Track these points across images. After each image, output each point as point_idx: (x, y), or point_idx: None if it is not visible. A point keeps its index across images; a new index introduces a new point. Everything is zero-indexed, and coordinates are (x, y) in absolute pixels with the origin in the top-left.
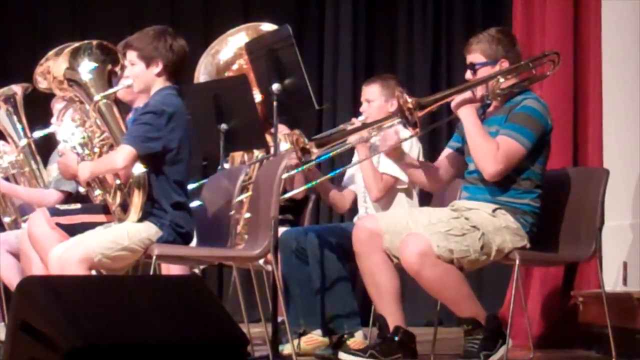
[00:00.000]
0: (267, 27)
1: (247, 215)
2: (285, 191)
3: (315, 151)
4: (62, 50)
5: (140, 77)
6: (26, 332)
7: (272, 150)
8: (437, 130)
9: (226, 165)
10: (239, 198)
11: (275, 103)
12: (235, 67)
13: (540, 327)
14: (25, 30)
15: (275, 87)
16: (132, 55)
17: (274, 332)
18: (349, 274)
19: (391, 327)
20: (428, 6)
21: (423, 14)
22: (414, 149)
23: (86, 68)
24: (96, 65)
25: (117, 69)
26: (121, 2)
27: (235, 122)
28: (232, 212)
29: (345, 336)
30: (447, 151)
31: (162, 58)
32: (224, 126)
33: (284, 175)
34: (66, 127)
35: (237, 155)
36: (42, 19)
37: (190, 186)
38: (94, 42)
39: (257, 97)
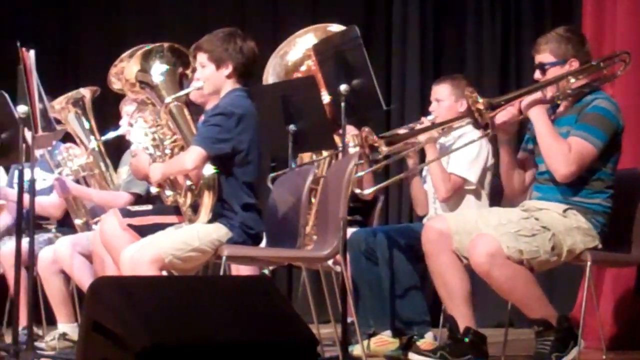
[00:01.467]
0: (335, 28)
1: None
2: (354, 192)
3: (383, 149)
4: (135, 52)
5: (211, 79)
6: (98, 332)
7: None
8: None
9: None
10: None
11: (343, 104)
12: (303, 68)
13: (613, 328)
14: (97, 33)
15: (343, 87)
16: (202, 57)
17: (343, 333)
18: (418, 275)
19: (461, 328)
20: (496, 5)
21: (491, 13)
22: (483, 150)
23: (158, 70)
24: (168, 67)
25: (188, 71)
26: (191, 4)
27: (303, 123)
28: (301, 213)
29: (415, 337)
30: (521, 154)
31: (232, 60)
32: (292, 127)
33: (357, 174)
34: (139, 128)
35: (306, 157)
36: (113, 22)
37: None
38: (166, 45)
39: (325, 98)
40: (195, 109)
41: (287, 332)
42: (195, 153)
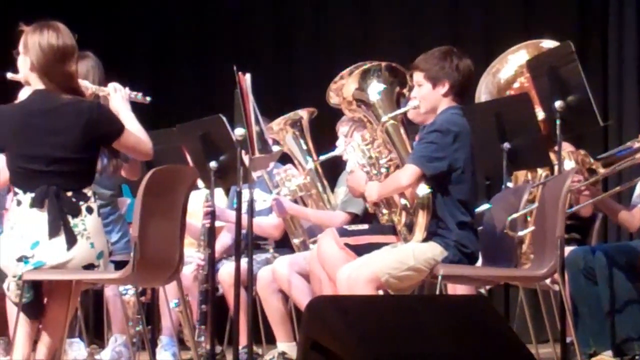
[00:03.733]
0: (548, 43)
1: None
2: (571, 207)
3: (601, 171)
4: (353, 70)
5: (427, 97)
6: (317, 351)
7: (556, 168)
8: None
9: (509, 184)
10: (521, 214)
11: (558, 120)
12: (516, 85)
13: None
14: (310, 55)
15: (558, 104)
16: (418, 76)
17: (562, 353)
18: (638, 294)
19: None
20: None
21: None
22: None
23: (375, 89)
24: (385, 86)
25: (405, 90)
26: (403, 23)
27: (518, 140)
28: (518, 232)
29: (637, 358)
30: None
31: (448, 78)
32: (506, 145)
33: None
34: (356, 145)
35: (521, 174)
36: (326, 44)
37: (479, 209)
38: (383, 64)
39: (540, 114)
40: (411, 128)
41: (505, 352)
42: (409, 170)
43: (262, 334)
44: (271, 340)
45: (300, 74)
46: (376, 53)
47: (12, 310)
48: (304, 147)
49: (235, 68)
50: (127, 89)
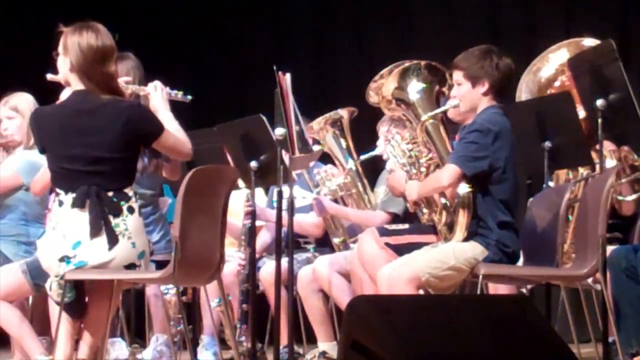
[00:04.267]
0: (589, 42)
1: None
2: (613, 208)
3: None
4: (393, 69)
5: (467, 96)
6: (357, 351)
7: (597, 167)
8: None
9: (550, 184)
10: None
11: (600, 119)
12: (557, 84)
13: None
14: (350, 54)
15: (600, 103)
16: (458, 75)
17: (604, 352)
18: None
19: None
20: None
21: None
22: None
23: (414, 88)
24: (424, 85)
25: (445, 89)
26: (443, 21)
27: (559, 139)
28: (559, 231)
29: None
30: None
31: (488, 77)
32: (547, 144)
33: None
34: (396, 144)
35: (562, 173)
36: (365, 43)
37: None
38: (422, 63)
39: (581, 113)
40: (451, 127)
41: (547, 352)
42: (450, 170)
43: (302, 333)
44: (312, 340)
45: (340, 73)
46: (417, 51)
47: (54, 310)
48: (344, 146)
49: (275, 68)
50: (167, 88)
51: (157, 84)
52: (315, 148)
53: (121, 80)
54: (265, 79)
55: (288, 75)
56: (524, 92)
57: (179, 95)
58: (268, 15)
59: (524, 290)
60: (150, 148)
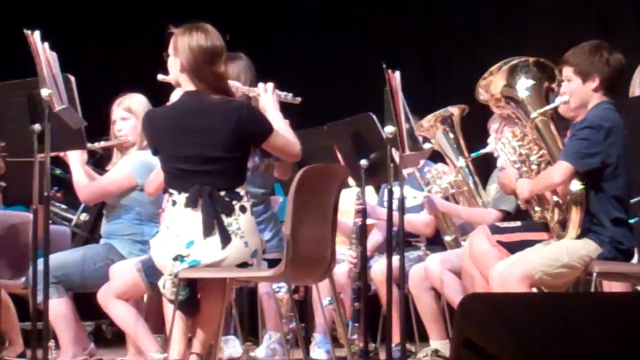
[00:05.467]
0: None
1: None
2: None
3: None
4: (502, 66)
5: (577, 92)
6: (470, 349)
7: None
8: None
9: None
10: None
11: None
12: None
13: None
14: (460, 51)
15: None
16: (568, 71)
17: None
18: None
19: None
20: None
21: None
22: None
23: (523, 85)
24: (533, 82)
25: (554, 85)
26: (552, 16)
27: None
28: None
29: None
30: None
31: (598, 73)
32: None
33: None
34: (506, 142)
35: None
36: (475, 40)
37: (633, 200)
38: (531, 60)
39: None
40: (562, 123)
41: None
42: (562, 168)
43: (415, 331)
44: (424, 338)
45: (450, 70)
46: (528, 47)
47: (168, 308)
48: (455, 144)
49: (384, 65)
50: (276, 90)
51: (267, 85)
52: (426, 146)
53: (231, 83)
54: (374, 77)
55: (397, 73)
56: (637, 87)
57: (288, 96)
58: (377, 13)
59: (639, 288)
60: (261, 148)
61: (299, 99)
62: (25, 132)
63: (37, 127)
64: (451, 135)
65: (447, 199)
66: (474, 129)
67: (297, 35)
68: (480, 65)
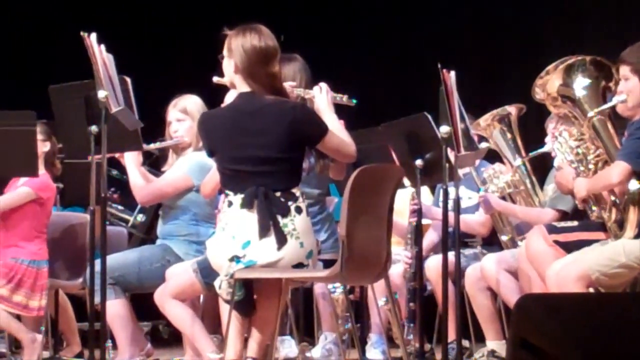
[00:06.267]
0: None
1: None
2: None
3: None
4: (558, 65)
5: (635, 91)
6: (526, 349)
7: None
8: None
9: None
10: None
11: None
12: None
13: None
14: (518, 51)
15: None
16: (625, 69)
17: None
18: None
19: None
20: None
21: None
22: None
23: (580, 84)
24: (590, 81)
25: (612, 84)
26: (610, 15)
27: None
28: None
29: None
30: None
31: None
32: None
33: None
34: (563, 141)
35: None
36: (534, 39)
37: None
38: (588, 58)
39: None
40: (619, 122)
41: None
42: (620, 168)
43: (471, 331)
44: (480, 338)
45: (506, 69)
46: (585, 46)
47: (224, 309)
48: (512, 143)
49: (440, 65)
50: (331, 92)
51: (322, 86)
52: (482, 145)
53: (286, 85)
54: (429, 77)
55: (452, 73)
56: None
57: (343, 99)
58: (433, 13)
59: None
60: (316, 148)
61: (354, 102)
62: (83, 134)
63: (94, 128)
64: (508, 135)
65: (503, 198)
66: (531, 128)
67: (352, 36)
68: (537, 65)
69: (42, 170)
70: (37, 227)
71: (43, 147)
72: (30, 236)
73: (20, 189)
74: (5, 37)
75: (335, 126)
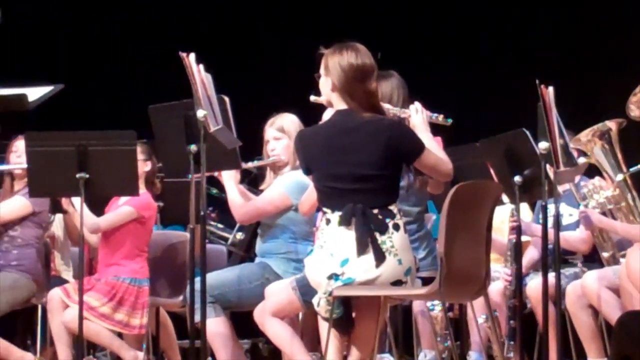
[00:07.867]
0: None
1: None
2: None
3: None
4: None
5: None
6: None
7: None
8: None
9: None
10: None
11: None
12: None
13: None
14: (615, 64)
15: None
16: None
17: None
18: None
19: None
20: None
21: None
22: None
23: None
24: None
25: None
26: None
27: None
28: None
29: None
30: None
31: None
32: None
33: None
34: None
35: None
36: (634, 54)
37: None
38: None
39: None
40: None
41: None
42: None
43: (572, 349)
44: (582, 356)
45: (604, 84)
46: None
47: (323, 326)
48: (613, 159)
49: (537, 81)
50: (427, 111)
51: (418, 106)
52: (580, 161)
53: (382, 104)
54: (528, 94)
55: (551, 89)
56: None
57: (439, 118)
58: (529, 29)
59: None
60: (413, 166)
61: (449, 121)
62: (182, 153)
63: (193, 147)
64: (609, 150)
65: (604, 214)
66: (632, 143)
67: (448, 53)
68: (637, 77)
69: (142, 189)
70: (139, 246)
71: (144, 166)
72: (132, 255)
73: (123, 208)
74: (108, 60)
75: (432, 145)
